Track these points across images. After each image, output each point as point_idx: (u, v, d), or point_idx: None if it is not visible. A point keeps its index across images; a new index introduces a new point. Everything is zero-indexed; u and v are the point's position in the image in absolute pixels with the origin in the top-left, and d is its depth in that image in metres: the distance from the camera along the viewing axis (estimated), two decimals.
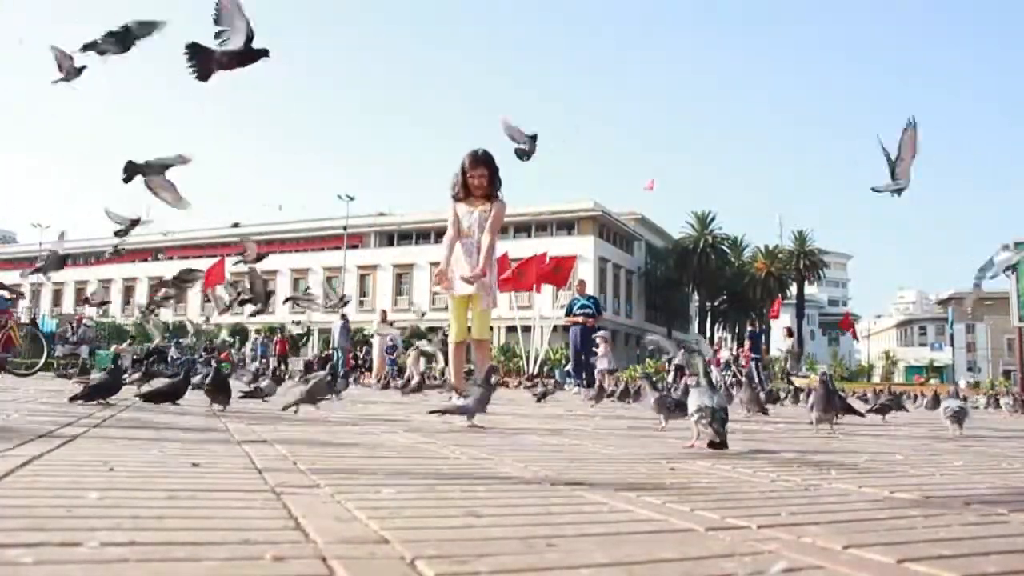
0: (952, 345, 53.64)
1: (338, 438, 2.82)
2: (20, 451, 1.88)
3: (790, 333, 19.03)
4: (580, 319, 12.01)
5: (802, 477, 1.95)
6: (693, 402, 2.64)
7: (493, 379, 3.94)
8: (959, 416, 3.97)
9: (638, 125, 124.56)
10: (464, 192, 5.45)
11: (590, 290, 20.27)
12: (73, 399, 4.06)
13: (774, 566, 0.95)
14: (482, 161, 5.40)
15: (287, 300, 12.23)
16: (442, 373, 18.83)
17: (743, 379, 10.10)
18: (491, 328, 5.75)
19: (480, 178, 5.37)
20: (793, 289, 54.49)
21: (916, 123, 3.98)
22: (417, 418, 4.17)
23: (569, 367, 14.03)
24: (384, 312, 17.28)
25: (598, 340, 11.99)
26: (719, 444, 2.51)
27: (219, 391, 4.10)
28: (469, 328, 5.57)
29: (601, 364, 11.88)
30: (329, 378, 4.43)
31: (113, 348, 19.73)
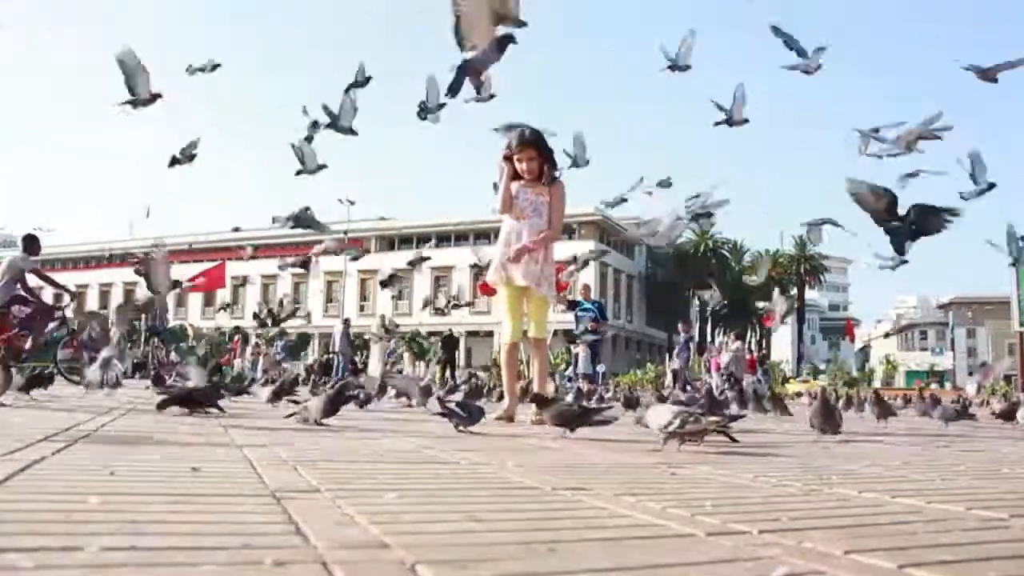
0: (953, 350, 53.63)
1: (338, 443, 2.82)
2: (21, 455, 1.88)
3: (738, 336, 18.52)
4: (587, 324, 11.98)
5: (803, 482, 1.95)
6: (663, 416, 2.73)
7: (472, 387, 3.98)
8: (945, 414, 4.43)
9: (638, 129, 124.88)
10: (513, 176, 4.78)
11: (592, 296, 20.17)
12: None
13: (775, 571, 0.95)
14: (530, 143, 4.71)
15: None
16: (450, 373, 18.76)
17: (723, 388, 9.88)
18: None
19: (529, 161, 4.67)
20: (794, 293, 54.48)
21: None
22: (418, 423, 4.17)
23: (570, 371, 14.01)
24: (383, 317, 17.27)
25: (579, 344, 11.94)
26: (728, 435, 2.57)
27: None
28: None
29: (580, 368, 11.84)
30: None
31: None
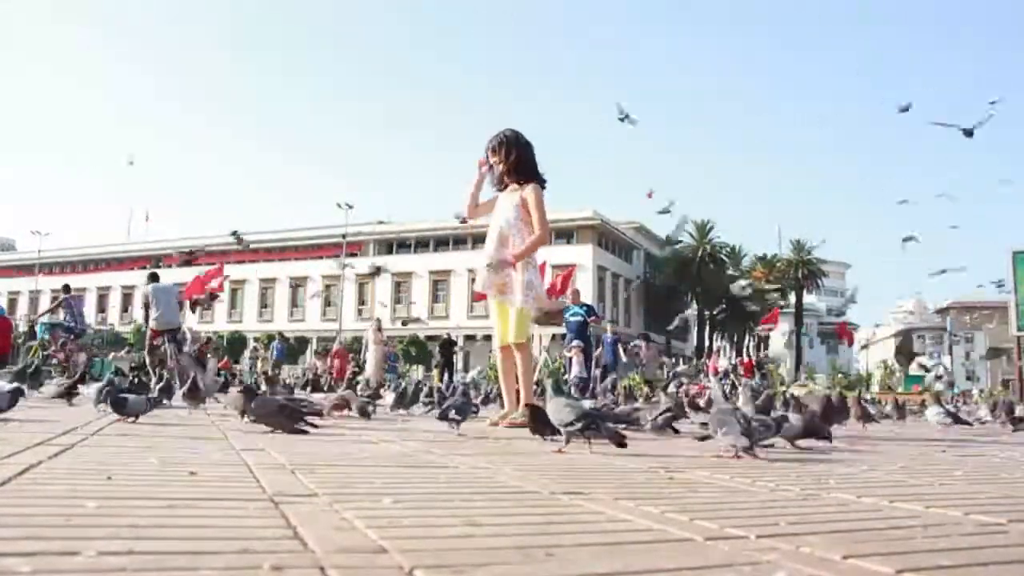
0: (951, 355, 53.58)
1: (337, 447, 2.82)
2: (18, 459, 1.88)
3: (647, 338, 17.28)
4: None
5: (801, 487, 1.95)
6: (570, 413, 2.82)
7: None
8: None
9: (637, 134, 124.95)
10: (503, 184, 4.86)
11: (590, 300, 20.00)
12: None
13: None
14: (492, 148, 4.80)
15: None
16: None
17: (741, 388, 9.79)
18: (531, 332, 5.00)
19: (496, 164, 4.79)
20: (792, 298, 54.53)
21: None
22: (416, 427, 4.17)
23: (567, 376, 13.93)
24: (379, 320, 17.23)
25: (572, 348, 11.88)
26: (622, 443, 2.76)
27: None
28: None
29: (573, 372, 11.77)
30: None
31: (111, 356, 19.66)
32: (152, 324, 9.78)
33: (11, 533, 1.03)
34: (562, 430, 2.87)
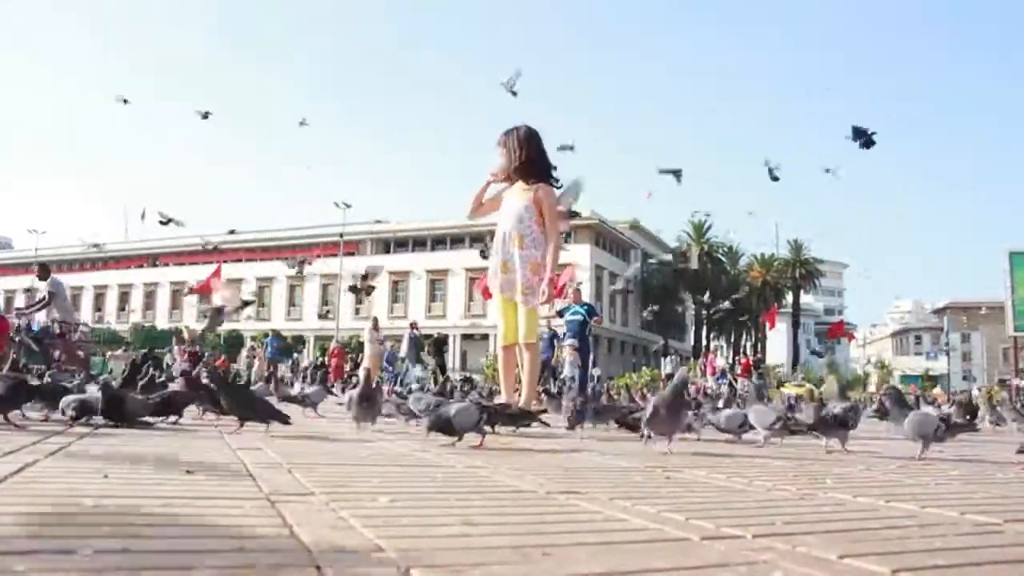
0: (947, 354, 53.73)
1: (333, 446, 2.82)
2: (14, 458, 1.88)
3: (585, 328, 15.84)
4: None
5: (797, 487, 1.95)
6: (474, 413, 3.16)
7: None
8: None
9: (636, 135, 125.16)
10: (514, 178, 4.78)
11: (589, 300, 19.88)
12: None
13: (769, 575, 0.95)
14: (504, 140, 4.71)
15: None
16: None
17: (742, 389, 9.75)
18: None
19: (501, 158, 4.70)
20: (789, 298, 54.58)
21: None
22: (413, 428, 4.16)
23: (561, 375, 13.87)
24: (376, 320, 17.18)
25: (566, 347, 11.81)
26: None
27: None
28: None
29: (565, 372, 11.70)
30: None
31: (108, 355, 19.64)
32: (55, 317, 10.13)
33: (7, 531, 1.02)
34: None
